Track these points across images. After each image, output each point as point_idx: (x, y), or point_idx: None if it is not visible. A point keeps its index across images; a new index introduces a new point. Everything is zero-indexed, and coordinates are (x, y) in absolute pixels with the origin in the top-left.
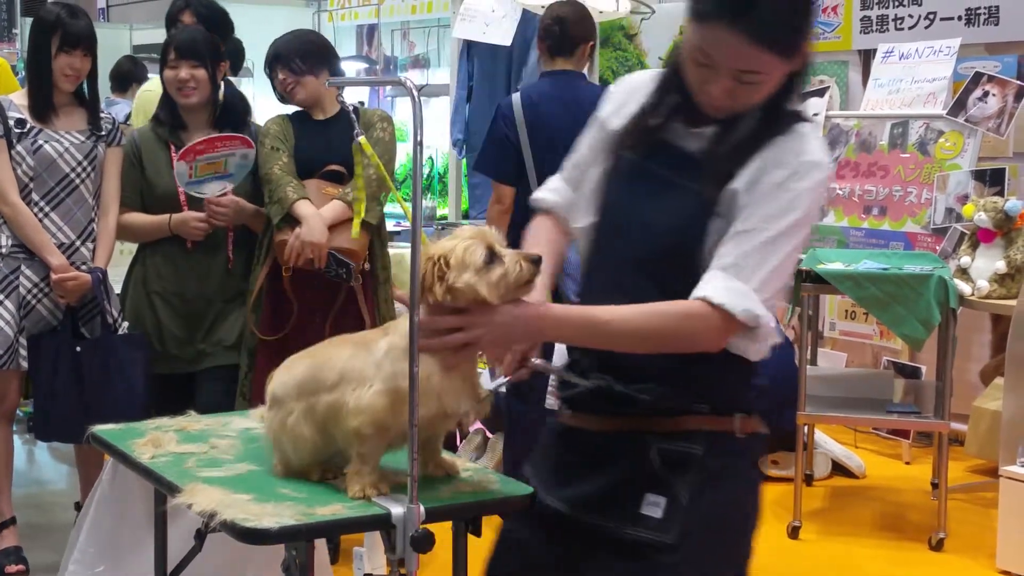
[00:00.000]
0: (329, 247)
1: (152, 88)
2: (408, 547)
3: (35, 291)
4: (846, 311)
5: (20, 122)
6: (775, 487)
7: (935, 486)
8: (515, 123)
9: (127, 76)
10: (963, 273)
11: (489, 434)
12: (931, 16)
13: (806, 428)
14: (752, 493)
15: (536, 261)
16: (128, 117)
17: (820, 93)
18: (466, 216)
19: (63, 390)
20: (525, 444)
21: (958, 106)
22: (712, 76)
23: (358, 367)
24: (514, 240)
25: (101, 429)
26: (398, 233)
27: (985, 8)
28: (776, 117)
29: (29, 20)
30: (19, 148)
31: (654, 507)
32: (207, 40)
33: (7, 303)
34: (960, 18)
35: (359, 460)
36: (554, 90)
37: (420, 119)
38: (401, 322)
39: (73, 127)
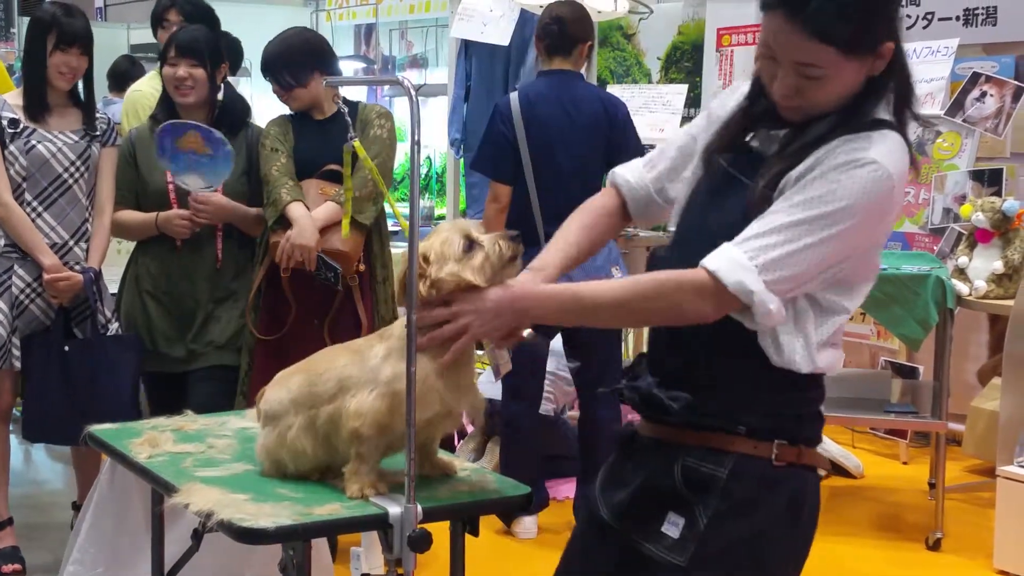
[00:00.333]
0: (320, 249)
1: (141, 88)
2: (405, 547)
3: (28, 291)
4: None
5: (13, 122)
6: None
7: (932, 486)
8: (512, 122)
9: (124, 75)
10: (961, 273)
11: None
12: (929, 16)
13: None
14: (790, 536)
15: (514, 238)
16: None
17: None
18: (463, 216)
19: (52, 391)
20: (521, 447)
21: (956, 106)
22: (777, 70)
23: (356, 374)
24: None
25: (98, 429)
26: (395, 233)
27: (983, 8)
28: (853, 121)
29: (27, 20)
30: (12, 148)
31: (673, 526)
32: (208, 40)
33: (0, 303)
34: (958, 18)
35: (358, 460)
36: (551, 90)
37: (418, 119)
38: (395, 326)
39: (67, 127)
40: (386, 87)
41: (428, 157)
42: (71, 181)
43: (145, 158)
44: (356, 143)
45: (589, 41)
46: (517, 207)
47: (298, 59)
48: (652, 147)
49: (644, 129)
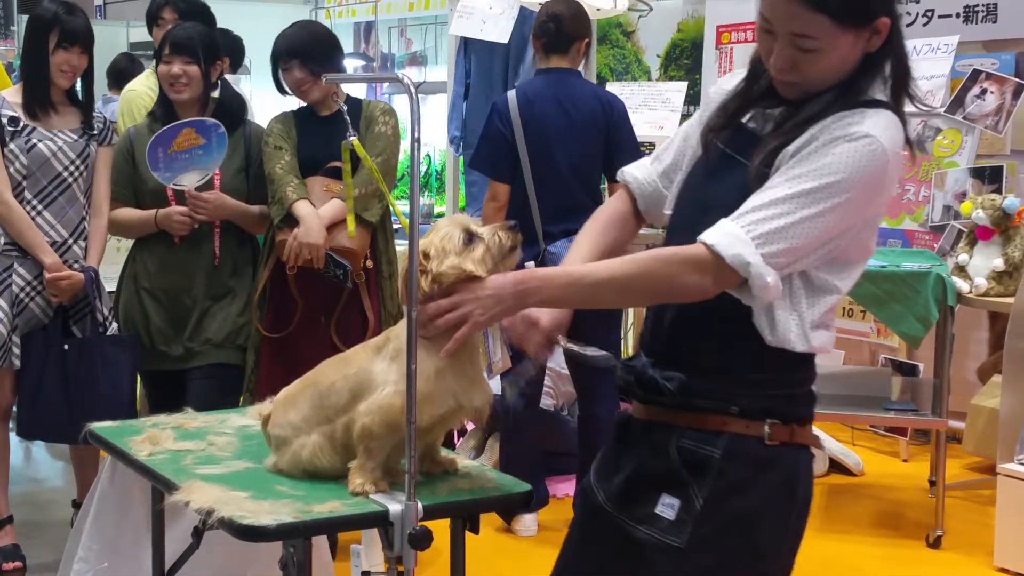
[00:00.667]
0: (327, 247)
1: (135, 88)
2: (406, 544)
3: (28, 289)
4: (843, 308)
5: (13, 120)
6: None
7: (933, 484)
8: (510, 121)
9: (124, 73)
10: (961, 270)
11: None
12: (929, 13)
13: None
14: (785, 513)
15: (512, 228)
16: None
17: None
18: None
19: (49, 389)
20: (521, 443)
21: (956, 103)
22: (774, 44)
23: (367, 378)
24: None
25: (98, 426)
26: (397, 230)
27: (983, 5)
28: (849, 98)
29: (27, 17)
30: (12, 146)
31: (668, 508)
32: (203, 37)
33: (0, 301)
34: (958, 15)
35: (364, 455)
36: (549, 88)
37: (418, 116)
38: (399, 326)
39: (66, 126)
40: (386, 84)
41: (428, 155)
42: (70, 180)
43: (144, 156)
44: (355, 141)
45: (587, 38)
46: (515, 205)
47: (326, 48)
48: (650, 144)
49: (643, 127)
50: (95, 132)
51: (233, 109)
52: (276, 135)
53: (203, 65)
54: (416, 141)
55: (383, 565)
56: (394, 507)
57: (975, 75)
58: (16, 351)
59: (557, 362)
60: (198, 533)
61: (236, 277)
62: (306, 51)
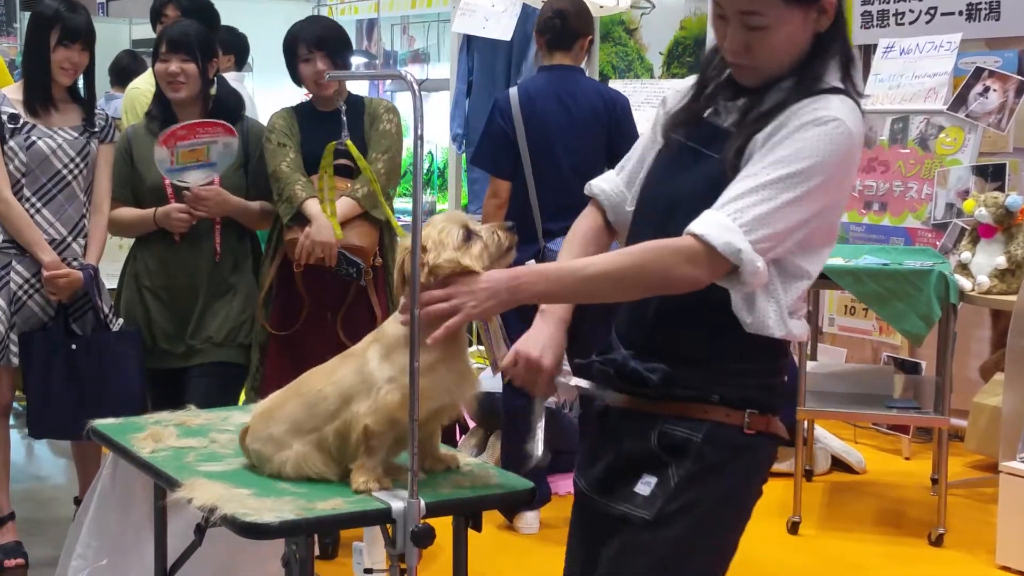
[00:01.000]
0: (339, 245)
1: (139, 86)
2: (408, 542)
3: (26, 287)
4: (845, 306)
5: (13, 117)
6: (775, 482)
7: (935, 482)
8: (512, 118)
9: (126, 70)
10: (963, 268)
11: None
12: (932, 11)
13: (806, 423)
14: (746, 497)
15: (510, 228)
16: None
17: None
18: (465, 211)
19: (58, 388)
20: (523, 441)
21: (959, 101)
22: (727, 29)
23: (358, 381)
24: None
25: (101, 423)
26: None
27: (986, 3)
28: (809, 85)
29: (28, 14)
30: (12, 143)
31: (645, 485)
32: (200, 34)
33: None
34: (961, 13)
35: (366, 453)
36: (551, 85)
37: (421, 113)
38: (387, 325)
39: (67, 123)
40: (388, 82)
41: (430, 152)
42: (70, 177)
43: (141, 155)
44: (349, 143)
45: (590, 35)
46: (516, 202)
47: (346, 42)
48: None
49: (646, 125)
50: (96, 129)
51: (231, 106)
52: (279, 132)
53: (200, 62)
54: (419, 138)
55: (385, 562)
56: (397, 504)
57: (978, 73)
58: (14, 349)
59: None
60: (200, 530)
61: (237, 273)
62: (331, 43)
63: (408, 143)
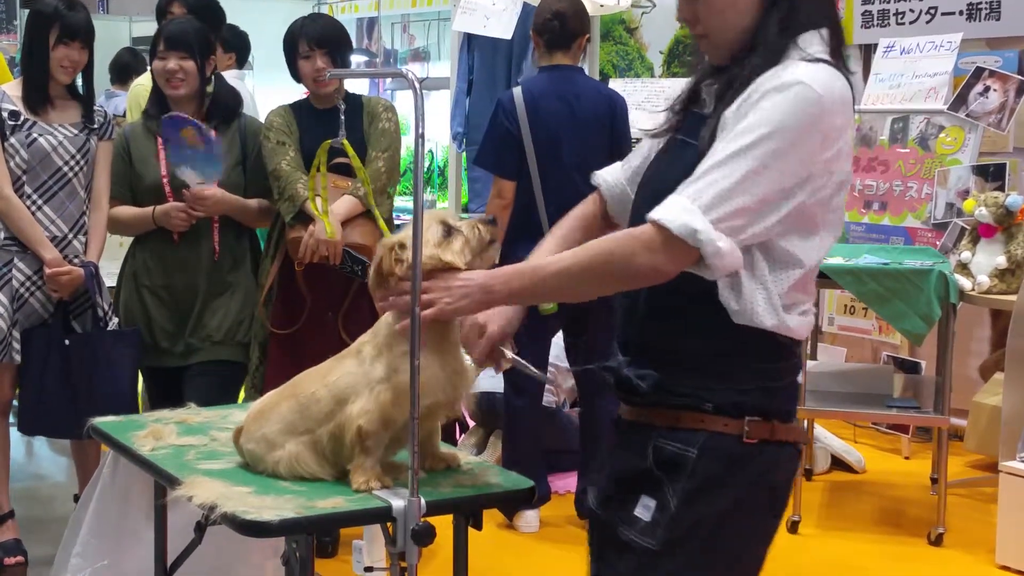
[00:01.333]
0: (344, 244)
1: (144, 82)
2: (409, 540)
3: (28, 284)
4: (845, 306)
5: (14, 114)
6: None
7: (934, 481)
8: (516, 117)
9: (127, 68)
10: (963, 268)
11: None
12: (932, 11)
13: (805, 423)
14: (756, 509)
15: (491, 222)
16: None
17: None
18: (466, 210)
19: (52, 385)
20: (523, 440)
21: (959, 101)
22: (680, 2)
23: (352, 382)
24: (514, 230)
25: (101, 421)
26: (398, 227)
27: (986, 3)
28: (774, 56)
29: (27, 12)
30: (13, 140)
31: (645, 509)
32: (198, 32)
33: (0, 296)
34: (961, 13)
35: (363, 453)
36: (554, 84)
37: (422, 111)
38: (379, 325)
39: (67, 120)
40: (388, 80)
41: (430, 151)
42: (71, 174)
43: (139, 153)
44: (345, 143)
45: (587, 34)
46: (521, 202)
47: (347, 40)
48: None
49: (647, 124)
50: (95, 126)
51: (228, 104)
52: (277, 130)
53: (199, 60)
54: (421, 137)
55: (385, 561)
56: (397, 503)
57: (978, 73)
58: (16, 346)
59: (559, 357)
60: (201, 528)
61: (236, 272)
62: (332, 41)
63: (409, 141)
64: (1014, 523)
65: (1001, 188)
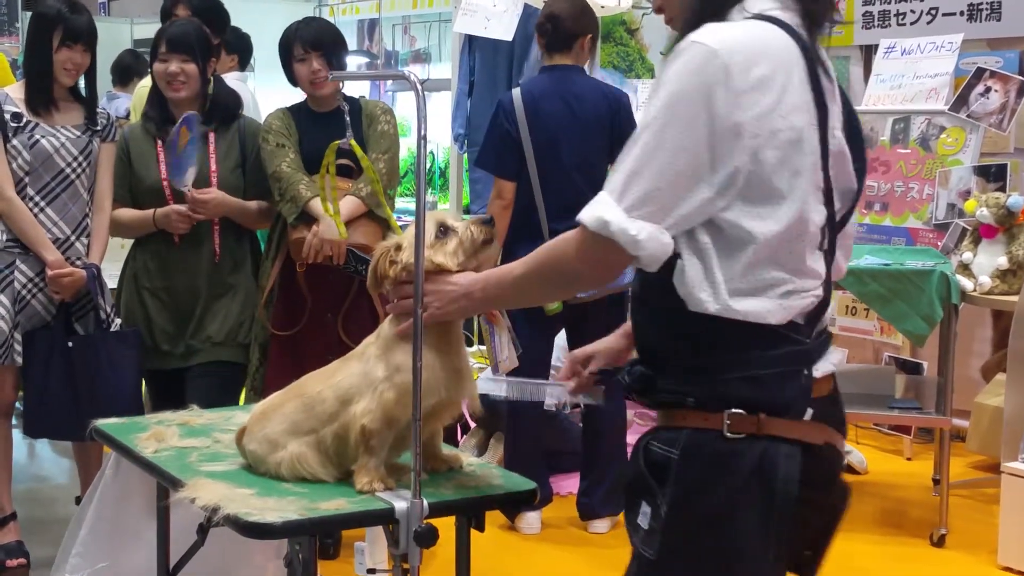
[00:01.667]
0: (347, 244)
1: (148, 84)
2: (411, 542)
3: (30, 286)
4: (847, 307)
5: (16, 116)
6: None
7: (936, 482)
8: (516, 119)
9: (128, 70)
10: (965, 269)
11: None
12: (933, 12)
13: None
14: (757, 512)
15: (487, 222)
16: (129, 113)
17: None
18: (467, 211)
19: (55, 387)
20: (525, 442)
21: (960, 102)
22: None
23: (356, 383)
24: (516, 232)
25: (104, 423)
26: (401, 227)
27: (987, 4)
28: (709, 20)
29: (29, 14)
30: (15, 142)
31: (644, 517)
32: (199, 34)
33: (2, 298)
34: (962, 13)
35: (367, 454)
36: (553, 85)
37: (424, 113)
38: (382, 328)
39: (69, 122)
40: (389, 82)
41: (431, 152)
42: (73, 176)
43: (139, 155)
44: (353, 143)
45: (589, 34)
46: (521, 203)
47: (342, 43)
48: None
49: None
50: (98, 128)
51: (228, 106)
52: (276, 132)
53: (200, 62)
54: (423, 139)
55: (388, 563)
56: (400, 505)
57: (979, 73)
58: (18, 348)
59: (558, 358)
60: (203, 530)
61: (236, 273)
62: (327, 44)
63: (410, 143)
64: (1016, 524)
65: (1002, 189)
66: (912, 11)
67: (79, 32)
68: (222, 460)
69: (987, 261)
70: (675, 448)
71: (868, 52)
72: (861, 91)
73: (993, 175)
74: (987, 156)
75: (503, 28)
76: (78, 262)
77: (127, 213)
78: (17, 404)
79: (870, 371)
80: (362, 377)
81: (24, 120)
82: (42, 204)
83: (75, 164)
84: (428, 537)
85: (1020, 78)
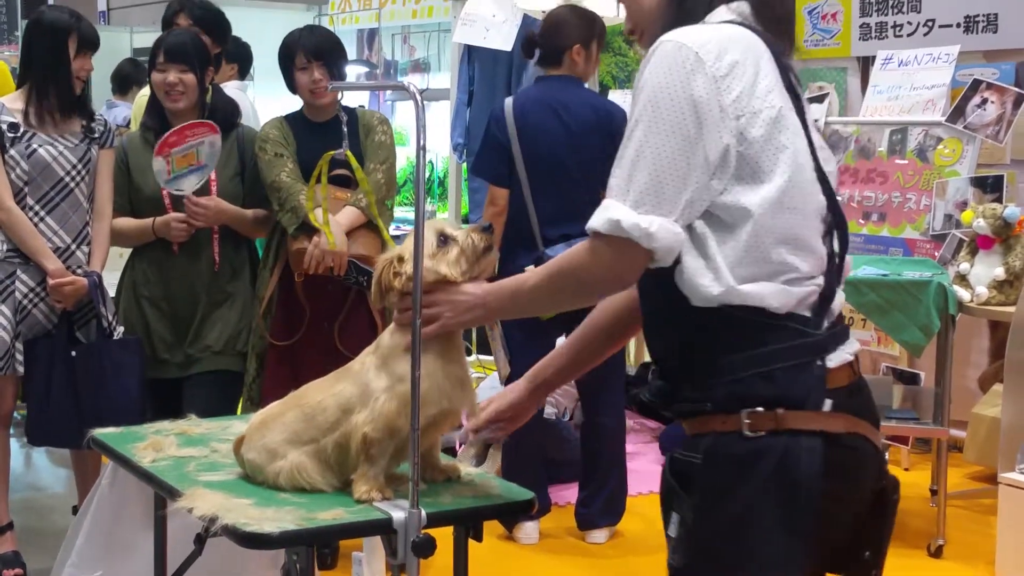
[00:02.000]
0: (348, 255)
1: (148, 93)
2: (409, 552)
3: (31, 295)
4: (845, 317)
5: (13, 126)
6: None
7: (934, 493)
8: (506, 128)
9: (128, 79)
10: (962, 279)
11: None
12: (930, 23)
13: None
14: (782, 511)
15: (487, 229)
16: (129, 121)
17: (820, 99)
18: (466, 220)
19: (58, 395)
20: (524, 452)
21: (957, 113)
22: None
23: (357, 392)
24: (510, 239)
25: (101, 433)
26: (396, 238)
27: (984, 16)
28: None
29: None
30: (13, 152)
31: (674, 527)
32: (197, 44)
33: (3, 308)
34: (959, 25)
35: (367, 463)
36: (544, 95)
37: (423, 123)
38: (383, 337)
39: (67, 130)
40: (388, 92)
41: (430, 161)
42: (72, 184)
43: (137, 164)
44: (349, 153)
45: (576, 44)
46: (514, 210)
47: (343, 52)
48: None
49: None
50: (96, 135)
51: (226, 115)
52: (274, 141)
53: (199, 72)
54: (422, 148)
55: (385, 572)
56: (398, 515)
57: (976, 85)
58: (19, 358)
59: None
60: (201, 540)
61: (235, 282)
62: (328, 53)
63: (409, 152)
64: (1014, 535)
65: (999, 200)
66: (909, 23)
67: (93, 40)
68: (220, 470)
69: (984, 272)
70: (697, 454)
71: (865, 63)
72: (858, 102)
73: (990, 186)
74: (984, 167)
75: (502, 38)
76: (79, 270)
77: (126, 222)
78: (16, 414)
79: (867, 381)
80: (364, 387)
81: (21, 130)
82: (42, 213)
83: (74, 172)
84: (426, 547)
85: (1016, 90)
